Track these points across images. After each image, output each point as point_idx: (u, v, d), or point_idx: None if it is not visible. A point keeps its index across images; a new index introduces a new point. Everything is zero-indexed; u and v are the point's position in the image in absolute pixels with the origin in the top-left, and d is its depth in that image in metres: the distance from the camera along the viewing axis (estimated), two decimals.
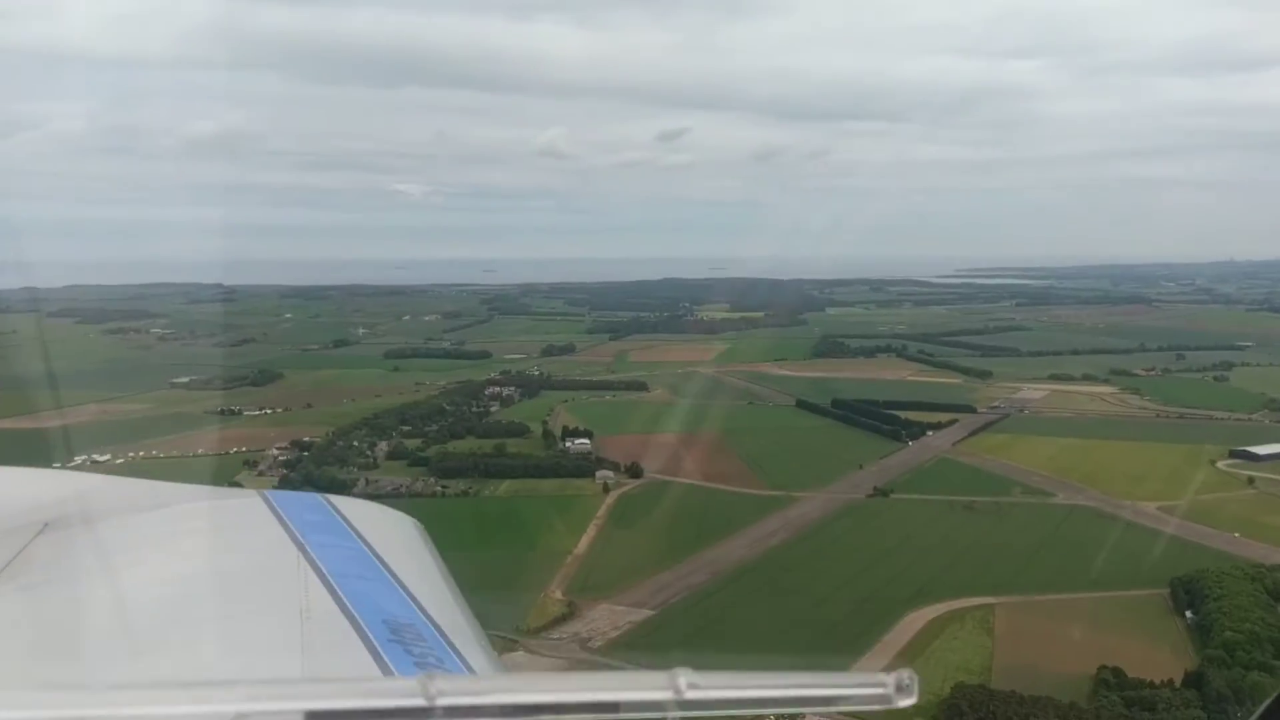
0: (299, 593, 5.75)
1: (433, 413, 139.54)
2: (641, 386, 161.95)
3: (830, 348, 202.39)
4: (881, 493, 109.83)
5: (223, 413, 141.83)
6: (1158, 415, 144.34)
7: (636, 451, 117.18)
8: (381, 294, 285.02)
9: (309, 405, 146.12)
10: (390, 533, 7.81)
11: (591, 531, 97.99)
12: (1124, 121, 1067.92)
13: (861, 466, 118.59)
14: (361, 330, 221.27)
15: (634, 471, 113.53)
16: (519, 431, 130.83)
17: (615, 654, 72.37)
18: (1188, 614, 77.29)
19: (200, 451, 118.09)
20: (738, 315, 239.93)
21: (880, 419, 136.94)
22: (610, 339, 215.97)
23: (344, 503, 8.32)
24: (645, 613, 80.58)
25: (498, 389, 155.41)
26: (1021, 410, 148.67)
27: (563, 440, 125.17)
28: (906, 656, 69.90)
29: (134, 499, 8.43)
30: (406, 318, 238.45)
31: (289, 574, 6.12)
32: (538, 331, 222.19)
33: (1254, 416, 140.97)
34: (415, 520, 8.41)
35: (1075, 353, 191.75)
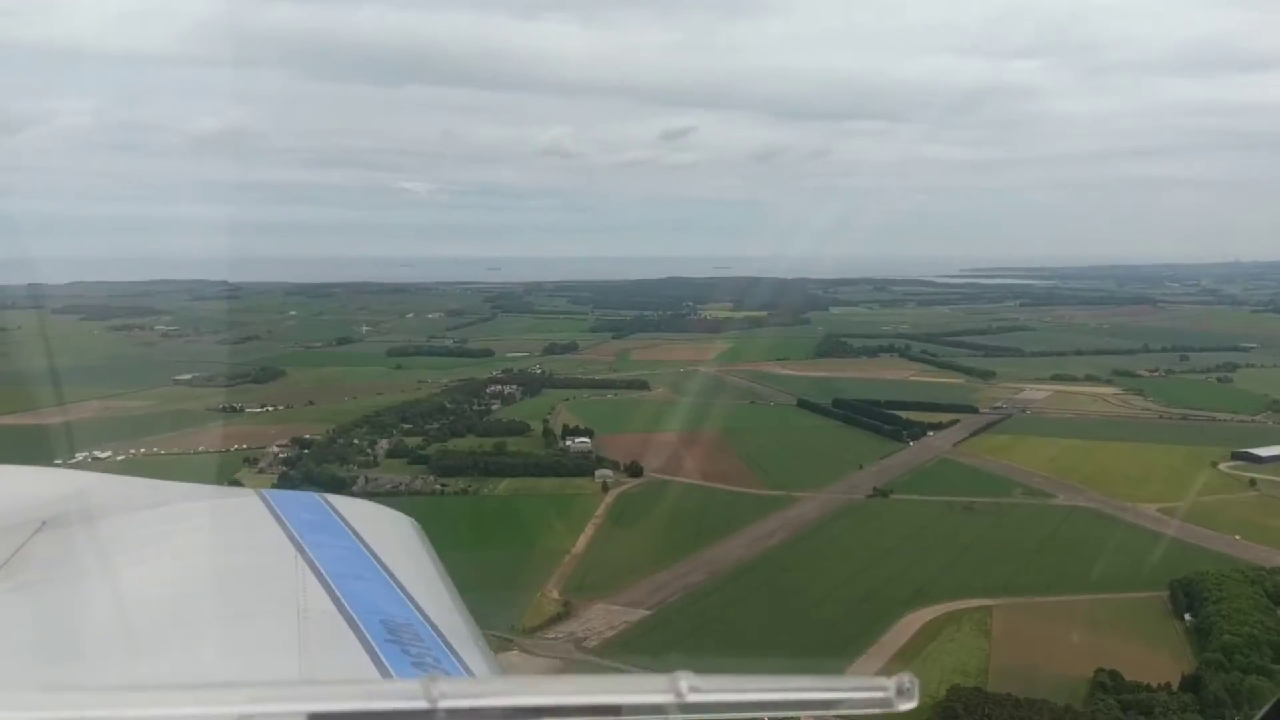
0: (296, 592, 5.73)
1: (434, 411, 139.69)
2: (643, 385, 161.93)
3: (833, 347, 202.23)
4: (881, 493, 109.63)
5: (224, 410, 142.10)
6: (1160, 416, 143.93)
7: (636, 450, 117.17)
8: (386, 292, 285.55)
9: (311, 403, 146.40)
10: (388, 532, 7.80)
11: (590, 531, 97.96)
12: (1128, 121, 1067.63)
13: (861, 467, 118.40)
14: (365, 328, 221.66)
15: (633, 470, 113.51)
16: (519, 430, 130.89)
17: (610, 654, 72.33)
18: (1187, 617, 76.92)
19: (201, 449, 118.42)
20: (741, 314, 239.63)
21: (881, 419, 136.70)
22: (613, 338, 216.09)
23: (341, 502, 8.29)
24: (641, 613, 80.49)
25: (499, 387, 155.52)
26: (1023, 411, 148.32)
27: (563, 439, 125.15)
28: (903, 658, 69.79)
29: (131, 497, 8.39)
30: (410, 315, 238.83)
31: (286, 573, 6.10)
32: (541, 330, 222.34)
33: (1257, 418, 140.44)
34: (413, 520, 8.36)
35: (1079, 353, 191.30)
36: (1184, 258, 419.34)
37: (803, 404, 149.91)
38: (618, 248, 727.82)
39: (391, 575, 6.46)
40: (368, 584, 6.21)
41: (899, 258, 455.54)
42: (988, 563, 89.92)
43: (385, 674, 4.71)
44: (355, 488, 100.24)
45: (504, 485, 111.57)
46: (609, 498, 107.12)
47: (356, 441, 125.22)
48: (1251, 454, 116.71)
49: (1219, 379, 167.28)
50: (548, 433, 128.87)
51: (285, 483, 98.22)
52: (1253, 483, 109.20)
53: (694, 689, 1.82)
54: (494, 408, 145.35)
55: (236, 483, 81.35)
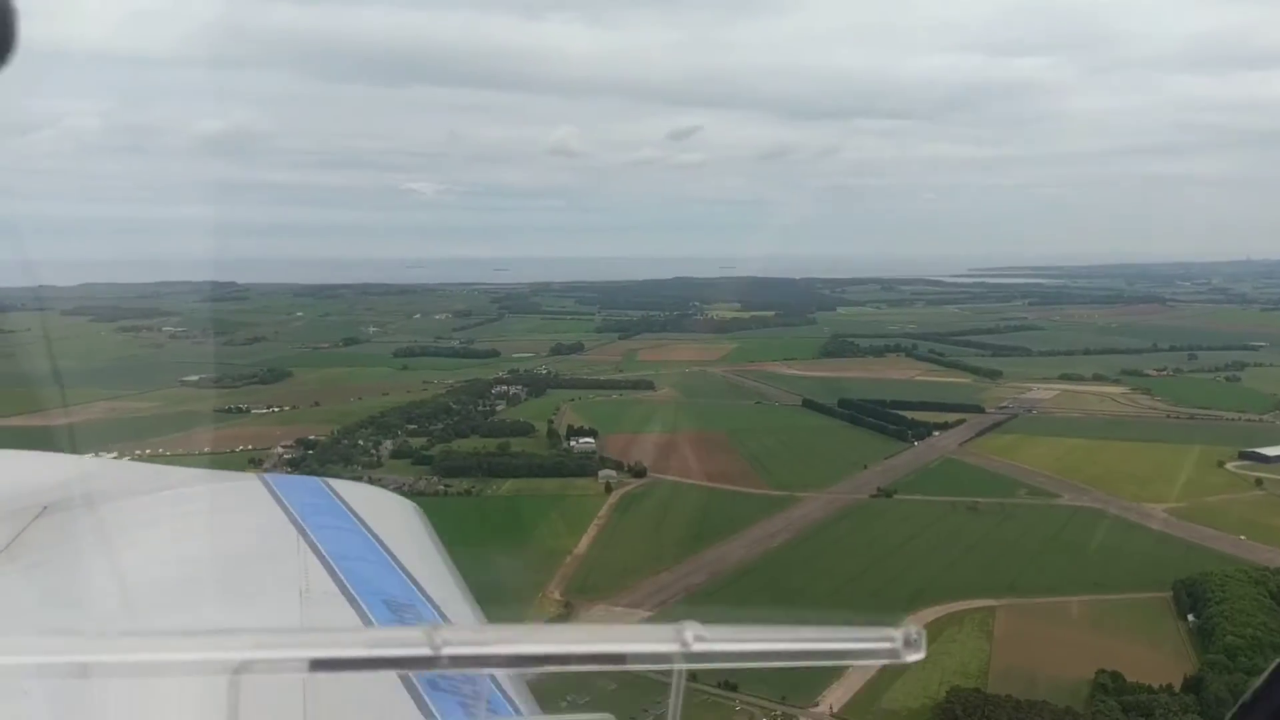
0: (298, 574, 5.76)
1: (439, 411, 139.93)
2: (648, 386, 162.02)
3: (840, 347, 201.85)
4: (885, 493, 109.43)
5: (230, 411, 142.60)
6: (1168, 416, 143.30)
7: (640, 451, 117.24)
8: (392, 293, 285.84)
9: (317, 403, 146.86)
10: (389, 515, 7.84)
11: (592, 531, 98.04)
12: (1137, 118, 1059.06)
13: (866, 467, 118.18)
14: (372, 329, 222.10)
15: (637, 471, 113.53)
16: (524, 431, 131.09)
17: None
18: (1190, 617, 76.59)
19: (206, 449, 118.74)
20: (748, 314, 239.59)
21: (887, 419, 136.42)
22: (619, 338, 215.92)
23: (343, 486, 8.36)
24: (642, 614, 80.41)
25: (504, 388, 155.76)
26: (1030, 410, 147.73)
27: (567, 439, 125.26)
28: None
29: (134, 482, 8.43)
30: (417, 316, 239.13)
31: (288, 555, 6.14)
32: (547, 330, 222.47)
33: (1265, 417, 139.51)
34: (415, 504, 8.45)
35: (1087, 352, 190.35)
36: (1195, 256, 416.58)
37: (808, 404, 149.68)
38: (624, 248, 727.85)
39: (393, 557, 6.49)
40: (370, 565, 6.24)
41: (906, 257, 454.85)
42: (990, 563, 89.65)
43: None
44: None
45: (507, 486, 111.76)
46: (612, 498, 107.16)
47: (361, 442, 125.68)
48: (1258, 453, 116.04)
49: (1227, 378, 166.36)
50: (552, 433, 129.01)
51: None
52: (1259, 482, 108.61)
53: (699, 638, 1.81)
54: (499, 408, 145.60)
55: None
